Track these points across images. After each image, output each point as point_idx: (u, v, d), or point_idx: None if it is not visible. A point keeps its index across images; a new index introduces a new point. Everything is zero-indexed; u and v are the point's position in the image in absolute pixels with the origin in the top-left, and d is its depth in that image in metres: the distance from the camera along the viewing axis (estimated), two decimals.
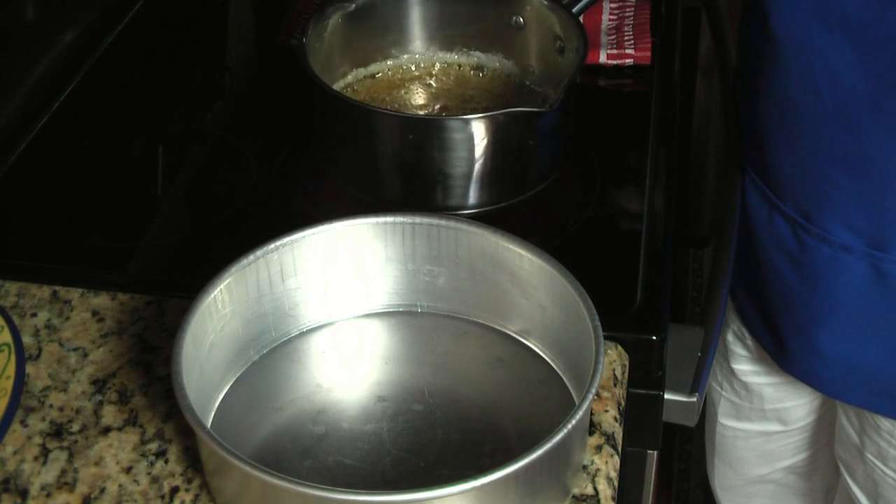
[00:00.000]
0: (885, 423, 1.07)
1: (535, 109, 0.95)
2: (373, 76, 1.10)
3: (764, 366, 1.18)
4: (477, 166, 0.95)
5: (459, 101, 1.08)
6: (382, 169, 0.99)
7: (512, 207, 1.00)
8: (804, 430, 1.24)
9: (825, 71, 0.93)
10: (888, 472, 1.11)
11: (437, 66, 1.11)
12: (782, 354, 1.10)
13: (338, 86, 1.08)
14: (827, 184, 0.98)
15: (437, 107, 1.08)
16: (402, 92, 1.09)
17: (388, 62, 1.10)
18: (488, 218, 0.98)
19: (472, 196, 0.98)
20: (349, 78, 1.09)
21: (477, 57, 1.11)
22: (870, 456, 1.11)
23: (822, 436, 1.25)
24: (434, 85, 1.10)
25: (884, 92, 0.90)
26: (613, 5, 1.27)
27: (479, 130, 0.93)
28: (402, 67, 1.11)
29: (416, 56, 1.11)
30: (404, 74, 1.10)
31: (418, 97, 1.09)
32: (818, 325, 1.04)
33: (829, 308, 1.03)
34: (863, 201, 0.97)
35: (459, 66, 1.11)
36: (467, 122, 0.94)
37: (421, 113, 1.07)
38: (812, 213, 1.01)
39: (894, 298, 0.99)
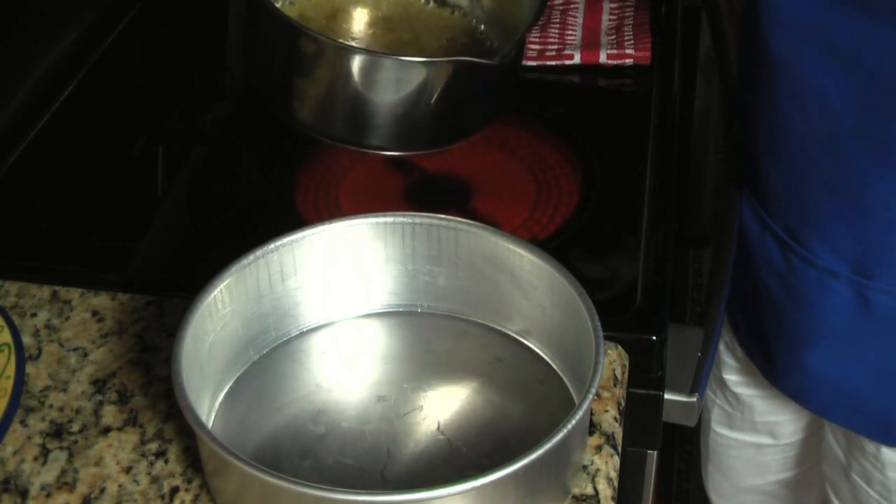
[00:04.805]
0: (869, 445, 1.07)
1: (483, 61, 0.90)
2: None
3: (753, 378, 1.18)
4: (415, 109, 0.91)
5: (395, 36, 1.02)
6: (312, 97, 0.94)
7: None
8: (795, 446, 1.24)
9: (815, 94, 0.92)
10: (872, 493, 1.10)
11: None
12: (771, 369, 1.10)
13: None
14: (814, 206, 0.98)
15: (378, 38, 1.02)
16: (342, 14, 1.03)
17: None
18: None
19: (410, 139, 0.94)
20: None
21: None
22: (855, 476, 1.11)
23: (815, 453, 1.24)
24: (371, 13, 1.03)
25: (870, 119, 0.90)
26: (613, 5, 1.27)
27: (421, 74, 0.89)
28: None
29: None
30: None
31: (354, 24, 1.03)
32: (806, 344, 1.04)
33: (816, 329, 1.03)
34: (848, 227, 0.96)
35: None
36: (411, 64, 0.89)
37: (360, 45, 1.01)
38: (800, 234, 1.01)
39: (879, 325, 0.99)
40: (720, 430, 1.27)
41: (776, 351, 1.08)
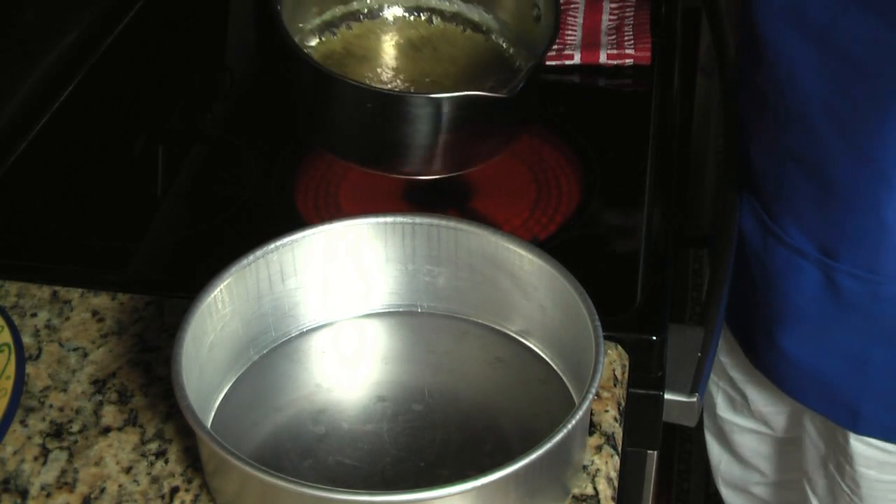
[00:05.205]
0: (840, 437, 1.08)
1: (496, 95, 0.94)
2: (355, 15, 1.08)
3: (739, 359, 1.19)
4: (432, 138, 0.95)
5: (431, 58, 1.07)
6: (341, 131, 0.99)
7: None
8: (792, 443, 1.24)
9: (788, 71, 0.93)
10: (844, 487, 1.11)
11: (419, 14, 1.09)
12: (750, 349, 1.11)
13: (314, 23, 1.06)
14: (787, 184, 0.99)
15: (407, 64, 1.07)
16: (378, 42, 1.08)
17: (369, 0, 1.09)
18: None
19: (429, 163, 0.97)
20: (327, 15, 1.06)
21: (458, 5, 1.09)
22: (832, 468, 1.12)
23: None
24: (409, 37, 1.08)
25: (838, 98, 0.90)
26: (613, 5, 1.27)
27: (437, 107, 0.93)
28: (383, 8, 1.09)
29: None
30: (383, 22, 1.09)
31: (392, 49, 1.07)
32: (779, 326, 1.05)
33: (787, 311, 1.03)
34: (816, 206, 0.97)
35: (442, 13, 1.09)
36: (426, 100, 0.93)
37: (390, 71, 1.06)
38: (774, 211, 1.02)
39: (845, 308, 0.99)
40: (725, 416, 1.27)
41: (755, 331, 1.09)
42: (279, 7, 0.97)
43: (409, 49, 1.07)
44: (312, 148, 1.09)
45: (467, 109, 0.93)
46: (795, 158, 0.97)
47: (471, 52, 1.07)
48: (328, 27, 1.06)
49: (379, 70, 1.05)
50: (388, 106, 0.93)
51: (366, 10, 1.08)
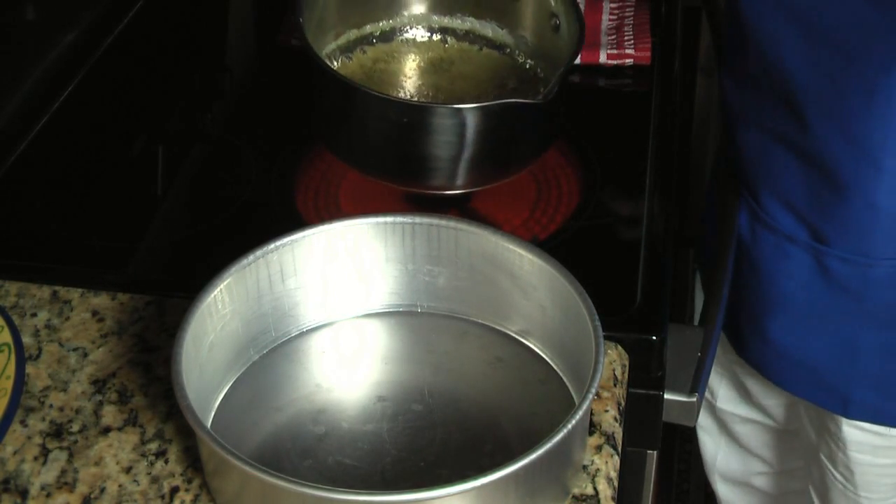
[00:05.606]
0: (833, 425, 1.08)
1: (528, 101, 0.94)
2: (367, 39, 1.08)
3: (731, 353, 1.19)
4: (465, 150, 0.94)
5: (451, 77, 1.07)
6: (371, 146, 0.98)
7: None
8: (794, 433, 1.24)
9: (776, 58, 0.93)
10: (837, 475, 1.11)
11: (432, 35, 1.10)
12: (737, 340, 1.11)
13: (330, 48, 1.06)
14: (777, 170, 0.99)
15: (428, 84, 1.07)
16: (395, 64, 1.08)
17: (381, 23, 1.09)
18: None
19: (460, 177, 0.97)
20: (342, 40, 1.07)
21: (471, 23, 1.10)
22: (823, 458, 1.12)
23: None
24: (426, 58, 1.09)
25: (825, 82, 0.91)
26: (613, 5, 1.27)
27: (469, 118, 0.92)
28: (396, 31, 1.10)
29: (412, 17, 1.10)
30: (398, 44, 1.09)
31: (410, 70, 1.08)
32: (767, 315, 1.05)
33: (776, 300, 1.04)
34: (807, 191, 0.98)
35: (455, 32, 1.10)
36: (459, 110, 0.93)
37: (411, 92, 1.06)
38: (763, 199, 1.02)
39: (836, 293, 1.00)
40: (725, 408, 1.27)
41: (742, 321, 1.09)
42: (301, 20, 0.97)
43: (428, 69, 1.08)
44: (312, 147, 1.09)
45: (500, 119, 0.93)
46: (784, 143, 0.97)
47: (490, 68, 1.08)
48: (343, 52, 1.07)
49: (400, 91, 1.06)
50: (422, 118, 0.93)
51: (378, 33, 1.09)
